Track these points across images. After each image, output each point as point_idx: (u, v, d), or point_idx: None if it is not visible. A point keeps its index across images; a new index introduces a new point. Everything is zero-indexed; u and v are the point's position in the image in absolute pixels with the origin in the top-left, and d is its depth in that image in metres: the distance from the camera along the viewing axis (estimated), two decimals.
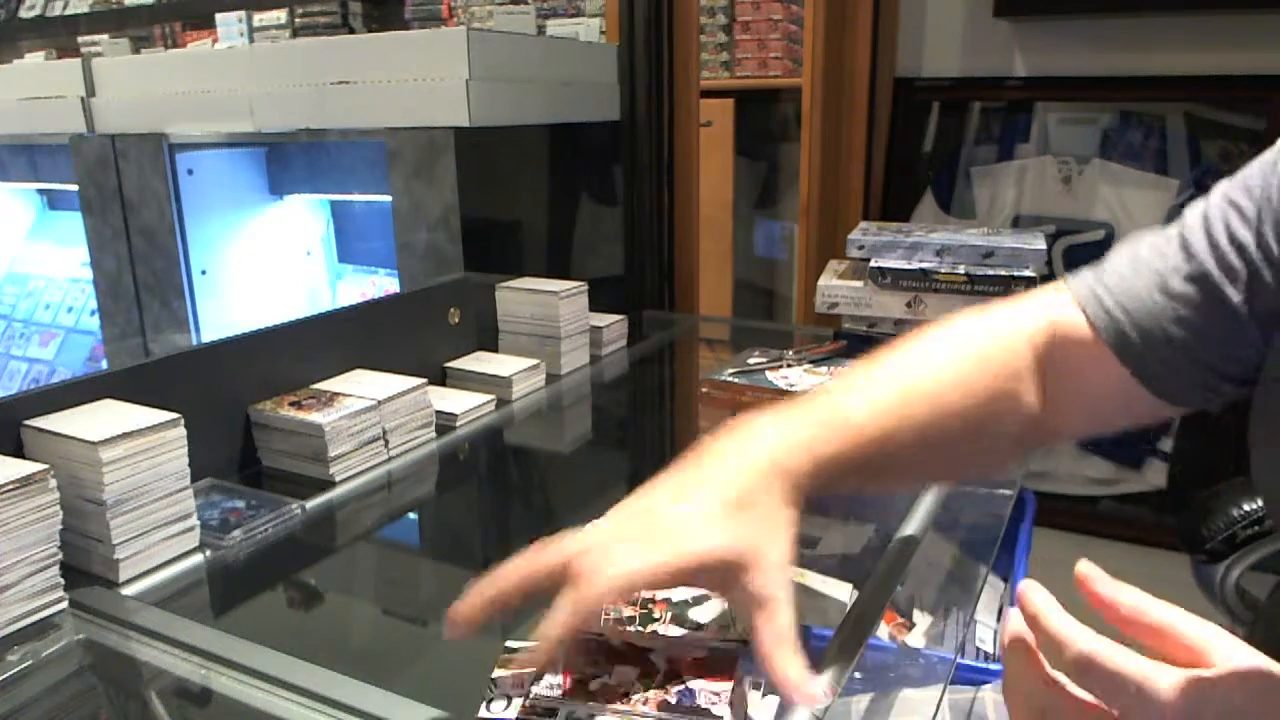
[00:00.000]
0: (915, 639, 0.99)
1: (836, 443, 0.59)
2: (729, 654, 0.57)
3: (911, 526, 0.79)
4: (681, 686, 0.54)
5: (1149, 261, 0.63)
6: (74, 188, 1.93)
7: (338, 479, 0.99)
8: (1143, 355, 0.62)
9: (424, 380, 1.09)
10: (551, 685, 0.55)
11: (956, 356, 0.65)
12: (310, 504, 0.94)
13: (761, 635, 0.51)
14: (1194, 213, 0.63)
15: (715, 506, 0.55)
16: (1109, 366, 0.63)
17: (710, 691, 0.54)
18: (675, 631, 0.61)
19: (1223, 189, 0.63)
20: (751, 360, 1.29)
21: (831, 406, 0.62)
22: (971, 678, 0.95)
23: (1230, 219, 0.60)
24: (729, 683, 0.54)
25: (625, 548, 0.53)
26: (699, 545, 0.53)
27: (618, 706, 0.53)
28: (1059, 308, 0.66)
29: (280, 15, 3.05)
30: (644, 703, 0.53)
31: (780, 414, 0.61)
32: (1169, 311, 0.61)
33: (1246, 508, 1.10)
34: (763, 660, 0.51)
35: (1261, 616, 1.03)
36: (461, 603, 0.53)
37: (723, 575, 0.53)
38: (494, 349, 1.38)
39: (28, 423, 0.80)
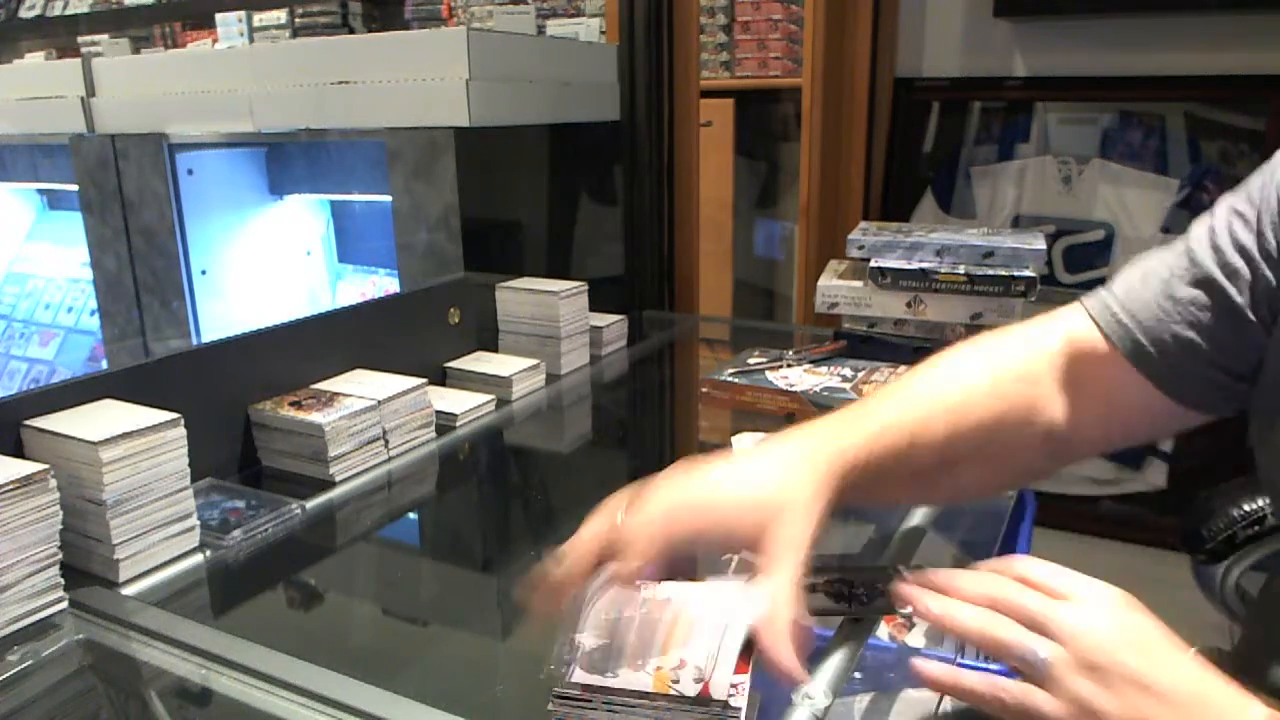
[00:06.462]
0: (915, 639, 0.98)
1: (862, 441, 0.61)
2: (744, 645, 0.57)
3: (911, 525, 0.79)
4: None
5: (1157, 272, 0.65)
6: (74, 188, 1.93)
7: (338, 479, 0.99)
8: (1155, 359, 0.64)
9: (424, 380, 1.09)
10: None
11: (978, 370, 0.68)
12: (310, 504, 0.94)
13: (760, 615, 0.52)
14: (1199, 224, 0.65)
15: (747, 479, 0.58)
16: (1126, 376, 0.65)
17: (729, 684, 0.54)
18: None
19: (1226, 201, 0.64)
20: (751, 360, 1.29)
21: (859, 412, 0.65)
22: None
23: (1233, 224, 0.62)
24: (745, 674, 0.54)
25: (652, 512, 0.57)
26: (729, 498, 0.57)
27: (638, 698, 0.53)
28: (1074, 323, 0.68)
29: (280, 15, 3.05)
30: None
31: (811, 423, 0.63)
32: (1176, 315, 0.63)
33: (1246, 508, 1.10)
34: (756, 636, 0.52)
35: (1252, 612, 1.04)
36: (537, 598, 0.57)
37: (743, 535, 0.55)
38: (494, 349, 1.38)
39: (28, 423, 0.80)
